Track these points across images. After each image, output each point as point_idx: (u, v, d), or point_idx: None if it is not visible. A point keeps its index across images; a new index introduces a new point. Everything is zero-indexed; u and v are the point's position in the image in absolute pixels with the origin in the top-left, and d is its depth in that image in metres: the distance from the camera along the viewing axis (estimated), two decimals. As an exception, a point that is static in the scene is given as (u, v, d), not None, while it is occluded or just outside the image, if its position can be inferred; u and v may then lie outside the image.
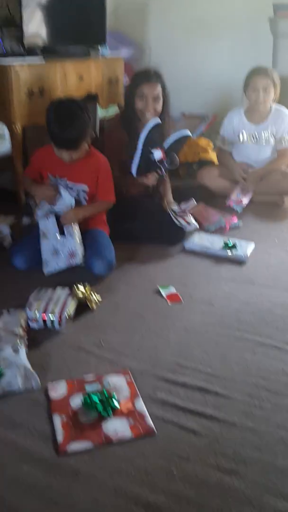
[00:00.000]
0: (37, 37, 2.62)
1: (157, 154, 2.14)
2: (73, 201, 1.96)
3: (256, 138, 2.83)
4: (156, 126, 2.16)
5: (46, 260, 1.91)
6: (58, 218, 1.94)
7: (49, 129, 1.85)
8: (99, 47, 3.06)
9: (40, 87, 2.43)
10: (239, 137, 2.86)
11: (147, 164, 2.19)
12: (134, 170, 2.22)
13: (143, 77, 2.31)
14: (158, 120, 2.16)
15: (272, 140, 2.83)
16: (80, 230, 1.99)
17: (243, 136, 2.85)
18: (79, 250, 1.90)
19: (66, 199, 1.95)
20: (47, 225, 1.94)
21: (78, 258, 1.89)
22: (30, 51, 2.54)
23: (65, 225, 1.92)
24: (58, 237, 1.91)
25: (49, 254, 1.91)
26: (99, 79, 2.93)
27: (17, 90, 2.28)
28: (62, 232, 1.92)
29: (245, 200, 2.71)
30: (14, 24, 2.63)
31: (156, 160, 2.15)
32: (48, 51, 2.68)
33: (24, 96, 2.33)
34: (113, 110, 3.26)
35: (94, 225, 2.06)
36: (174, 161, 2.17)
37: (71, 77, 2.66)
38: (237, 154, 2.93)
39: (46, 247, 1.92)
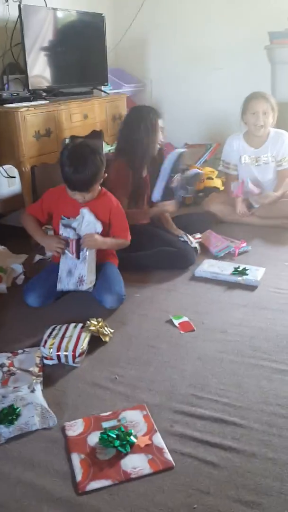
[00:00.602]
0: (41, 80, 2.73)
1: (177, 182, 2.35)
2: (99, 226, 1.96)
3: (257, 161, 2.88)
4: (180, 156, 2.34)
5: (60, 277, 1.94)
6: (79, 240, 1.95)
7: (63, 172, 1.89)
8: (102, 86, 3.18)
9: (46, 128, 2.51)
10: (240, 161, 2.91)
11: (169, 191, 2.36)
12: (158, 196, 2.39)
13: (156, 113, 2.44)
14: (182, 150, 2.36)
15: (272, 163, 2.87)
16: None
17: (244, 160, 2.90)
18: (88, 277, 1.92)
19: (91, 222, 1.96)
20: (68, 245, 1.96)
21: (86, 285, 1.92)
22: (35, 94, 2.65)
23: (82, 249, 1.93)
24: (74, 259, 1.94)
25: (64, 273, 1.94)
26: (103, 116, 3.03)
27: (24, 132, 2.36)
28: (78, 256, 1.94)
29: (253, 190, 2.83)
30: (19, 69, 2.75)
31: (175, 188, 2.35)
32: (53, 93, 2.79)
33: (31, 138, 2.41)
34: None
35: (103, 257, 2.08)
36: (190, 190, 2.44)
37: (76, 116, 2.75)
38: (239, 177, 2.98)
39: (63, 265, 1.95)
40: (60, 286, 1.93)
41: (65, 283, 1.93)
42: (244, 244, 2.53)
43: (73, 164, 1.85)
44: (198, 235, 2.57)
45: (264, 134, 2.84)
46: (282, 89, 3.33)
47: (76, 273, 1.92)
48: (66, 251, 1.95)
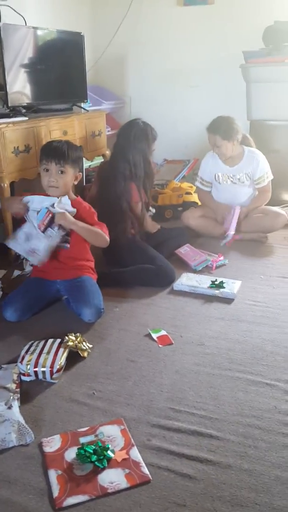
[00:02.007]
0: (21, 97, 2.76)
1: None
2: (73, 210, 1.99)
3: (232, 179, 2.94)
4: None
5: (17, 235, 1.99)
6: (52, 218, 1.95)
7: (40, 150, 2.04)
8: (81, 103, 3.22)
9: (26, 144, 2.53)
10: (215, 178, 2.97)
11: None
12: None
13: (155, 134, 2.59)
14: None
15: (247, 181, 2.93)
16: (69, 278, 2.05)
17: (220, 178, 2.96)
18: (42, 254, 1.96)
19: (67, 205, 1.99)
20: (35, 216, 1.96)
21: (34, 260, 1.97)
22: (14, 111, 2.67)
23: (53, 227, 1.94)
24: (36, 231, 1.95)
25: (23, 235, 1.98)
26: (83, 132, 3.06)
27: (3, 149, 2.38)
28: (44, 230, 1.94)
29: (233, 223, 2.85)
30: (-1, 86, 2.78)
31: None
32: (32, 110, 2.82)
33: (11, 154, 2.43)
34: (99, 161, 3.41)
35: (82, 272, 2.11)
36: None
37: (55, 133, 2.78)
38: (216, 195, 3.04)
39: (24, 228, 1.98)
40: (12, 243, 1.99)
41: (18, 244, 1.98)
42: (221, 258, 2.57)
43: (53, 141, 2.07)
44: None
45: (236, 154, 2.89)
46: (257, 108, 3.43)
47: (33, 243, 1.96)
48: (31, 220, 1.97)
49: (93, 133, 3.18)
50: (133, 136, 2.52)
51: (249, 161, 2.91)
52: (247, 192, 2.98)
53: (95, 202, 2.57)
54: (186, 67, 3.97)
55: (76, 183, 2.08)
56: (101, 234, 2.04)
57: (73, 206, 2.03)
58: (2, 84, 2.66)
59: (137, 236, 2.53)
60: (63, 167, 1.97)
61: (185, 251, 2.62)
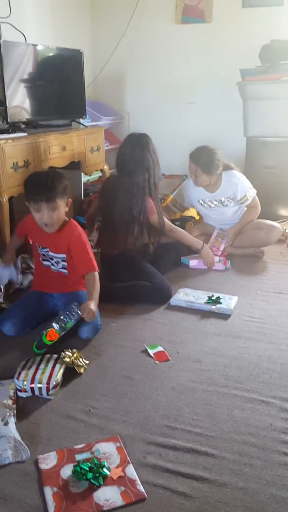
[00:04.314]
0: (20, 112, 2.79)
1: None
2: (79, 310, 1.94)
3: (216, 204, 2.96)
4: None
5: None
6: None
7: (25, 189, 1.99)
8: (80, 119, 3.27)
9: (25, 160, 2.56)
10: (201, 204, 3.00)
11: None
12: None
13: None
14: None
15: (231, 203, 2.94)
16: (65, 293, 2.08)
17: (203, 203, 2.99)
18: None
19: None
20: None
21: None
22: (14, 126, 2.70)
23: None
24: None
25: None
26: (81, 148, 3.10)
27: (2, 164, 2.40)
28: None
29: (221, 247, 2.86)
30: (-2, 102, 2.81)
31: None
32: (32, 125, 2.86)
33: (10, 170, 2.45)
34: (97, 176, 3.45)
35: (78, 287, 2.12)
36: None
37: (54, 148, 2.81)
38: (205, 217, 3.10)
39: None
40: None
41: None
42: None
43: (35, 178, 2.00)
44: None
45: (214, 181, 2.88)
46: (254, 124, 3.48)
47: None
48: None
49: (92, 148, 3.22)
50: (146, 147, 2.46)
51: (228, 185, 2.89)
52: (234, 209, 2.99)
53: (95, 218, 2.60)
54: (183, 84, 4.03)
55: (67, 209, 2.04)
56: (94, 277, 2.00)
57: (64, 231, 2.03)
58: (1, 100, 2.69)
59: (135, 251, 2.54)
60: (54, 203, 1.92)
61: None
